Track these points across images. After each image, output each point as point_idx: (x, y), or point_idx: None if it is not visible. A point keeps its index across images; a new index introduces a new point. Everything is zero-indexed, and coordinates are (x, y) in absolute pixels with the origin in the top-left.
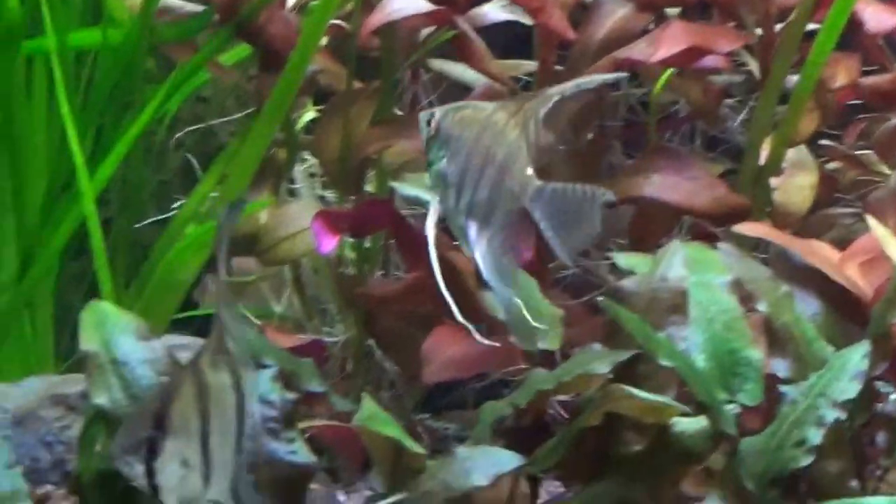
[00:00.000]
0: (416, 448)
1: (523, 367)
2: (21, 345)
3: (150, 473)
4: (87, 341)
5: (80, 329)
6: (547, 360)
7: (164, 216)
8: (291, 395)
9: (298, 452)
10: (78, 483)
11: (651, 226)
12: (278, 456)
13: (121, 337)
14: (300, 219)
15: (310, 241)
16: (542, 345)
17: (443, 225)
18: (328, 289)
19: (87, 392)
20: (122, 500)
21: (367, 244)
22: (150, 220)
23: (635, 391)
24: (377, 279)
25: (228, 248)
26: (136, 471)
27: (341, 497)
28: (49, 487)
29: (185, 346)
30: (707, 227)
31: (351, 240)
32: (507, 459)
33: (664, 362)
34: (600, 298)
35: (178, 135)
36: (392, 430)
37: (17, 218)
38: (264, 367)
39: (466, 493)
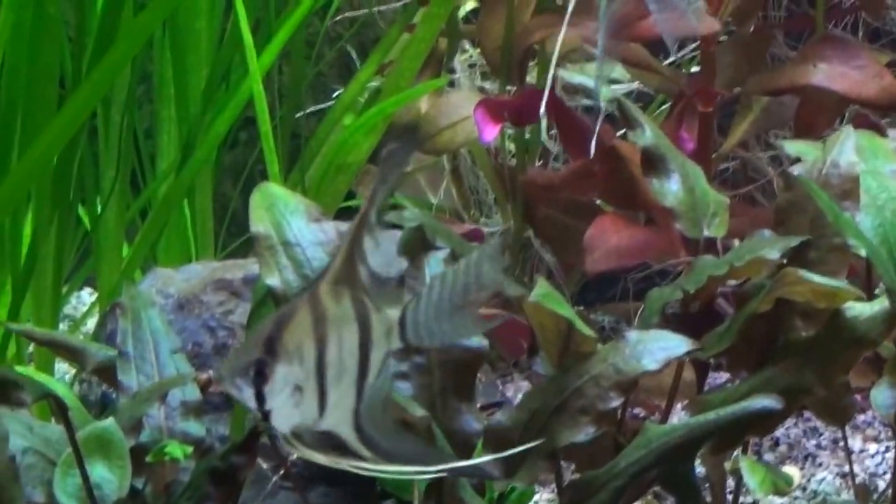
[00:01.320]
0: (588, 331)
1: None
2: (181, 233)
3: (260, 398)
4: (258, 223)
5: (251, 211)
6: (708, 250)
7: (321, 106)
8: None
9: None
10: None
11: (817, 116)
12: None
13: (292, 218)
14: (462, 108)
15: (470, 131)
16: (707, 232)
17: (607, 114)
18: (487, 179)
19: (248, 277)
20: None
21: (527, 135)
22: (307, 111)
23: (810, 275)
24: (537, 169)
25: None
26: (245, 394)
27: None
28: (212, 372)
29: None
30: (870, 118)
31: (510, 130)
32: (678, 344)
33: (851, 242)
34: (782, 176)
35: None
36: (566, 310)
37: (179, 106)
38: (436, 248)
39: (635, 378)
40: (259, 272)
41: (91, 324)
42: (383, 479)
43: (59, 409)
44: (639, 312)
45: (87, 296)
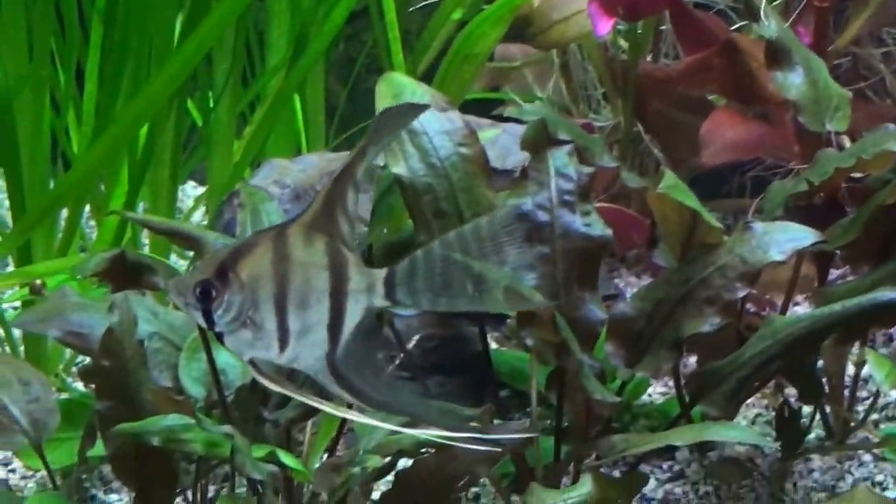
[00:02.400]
0: (714, 222)
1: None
2: (290, 127)
3: (209, 318)
4: None
5: (377, 100)
6: (828, 144)
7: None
8: (587, 169)
9: (594, 225)
10: (369, 251)
11: None
12: (574, 228)
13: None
14: (575, 2)
15: (583, 25)
16: (829, 126)
17: (717, 9)
18: (598, 73)
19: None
20: None
21: (639, 30)
22: (416, 6)
23: None
24: (649, 63)
25: None
26: (193, 311)
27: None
28: None
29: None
30: None
31: (621, 26)
32: (805, 235)
33: None
34: None
35: None
36: (692, 201)
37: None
38: (560, 142)
39: (761, 269)
40: (382, 161)
41: (197, 216)
42: (499, 369)
43: None
44: (751, 208)
45: (191, 189)
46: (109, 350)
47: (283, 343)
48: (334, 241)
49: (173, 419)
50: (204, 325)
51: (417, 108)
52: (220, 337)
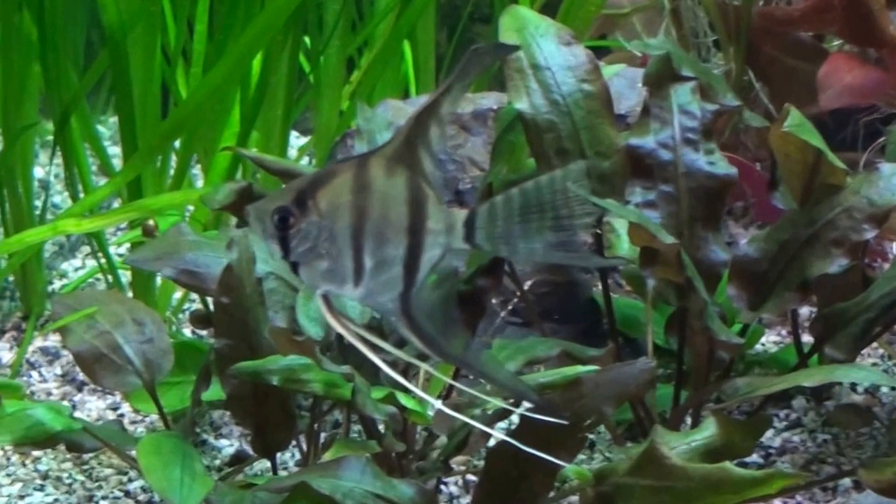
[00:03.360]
0: (839, 162)
1: None
2: (402, 71)
3: (285, 245)
4: None
5: (500, 33)
6: None
7: None
8: (711, 106)
9: (717, 164)
10: (489, 192)
11: None
12: (697, 166)
13: (542, 41)
14: None
15: None
16: None
17: None
18: (711, 19)
19: (478, 111)
20: None
21: None
22: None
23: None
24: (763, 7)
25: None
26: (269, 236)
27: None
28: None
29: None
30: None
31: None
32: None
33: None
34: None
35: None
36: (817, 140)
37: None
38: (683, 78)
39: (889, 210)
40: (507, 96)
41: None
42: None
43: None
44: (862, 158)
45: (294, 139)
46: (229, 287)
47: (358, 278)
48: (415, 176)
49: (292, 359)
50: (279, 253)
51: (507, 48)
52: (294, 267)
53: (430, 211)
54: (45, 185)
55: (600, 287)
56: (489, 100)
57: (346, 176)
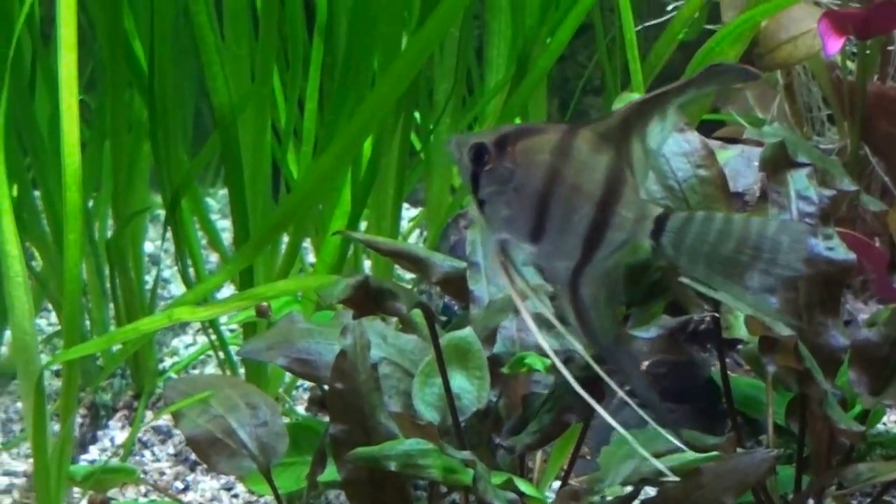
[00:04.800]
0: None
1: None
2: None
3: (475, 181)
4: None
5: None
6: None
7: (655, 21)
8: (828, 192)
9: (836, 249)
10: None
11: None
12: (816, 252)
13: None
14: (803, 21)
15: (811, 45)
16: None
17: None
18: (825, 94)
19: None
20: None
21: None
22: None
23: None
24: (877, 84)
25: None
26: (464, 167)
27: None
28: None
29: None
30: None
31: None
32: None
33: None
34: None
35: None
36: None
37: (514, 18)
38: (799, 164)
39: None
40: None
41: (411, 238)
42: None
43: (427, 319)
44: None
45: (404, 210)
46: (343, 373)
47: (538, 235)
48: (620, 158)
49: (411, 444)
50: (469, 186)
51: (749, 73)
52: (480, 204)
53: (624, 195)
54: (156, 261)
55: (718, 366)
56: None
57: (550, 136)
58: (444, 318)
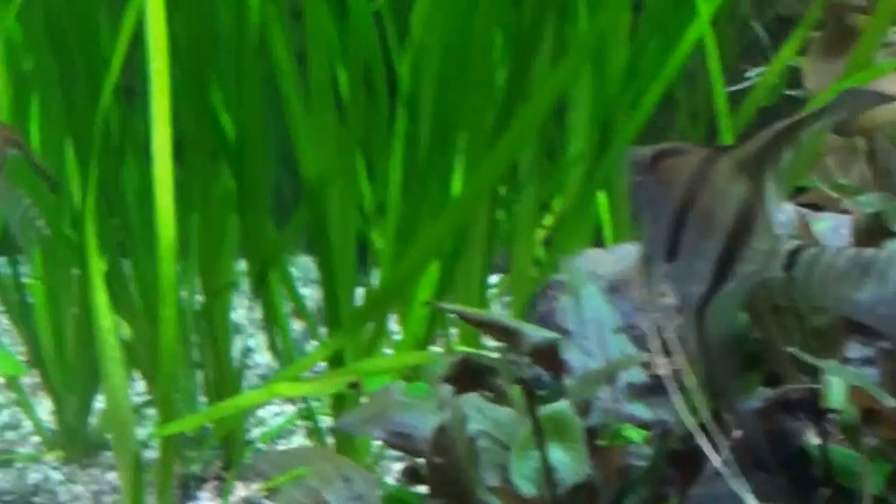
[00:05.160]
0: None
1: None
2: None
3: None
4: None
5: None
6: None
7: (735, 88)
8: None
9: None
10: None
11: None
12: None
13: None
14: (888, 86)
15: (894, 111)
16: None
17: None
18: None
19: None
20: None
21: None
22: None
23: None
24: None
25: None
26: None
27: None
28: (643, 355)
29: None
30: None
31: None
32: None
33: None
34: None
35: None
36: None
37: (596, 85)
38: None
39: None
40: None
41: (493, 306)
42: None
43: (526, 394)
44: None
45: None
46: (443, 448)
47: (672, 253)
48: (754, 190)
49: None
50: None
51: (881, 97)
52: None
53: (756, 228)
54: (239, 330)
55: (810, 435)
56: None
57: (693, 158)
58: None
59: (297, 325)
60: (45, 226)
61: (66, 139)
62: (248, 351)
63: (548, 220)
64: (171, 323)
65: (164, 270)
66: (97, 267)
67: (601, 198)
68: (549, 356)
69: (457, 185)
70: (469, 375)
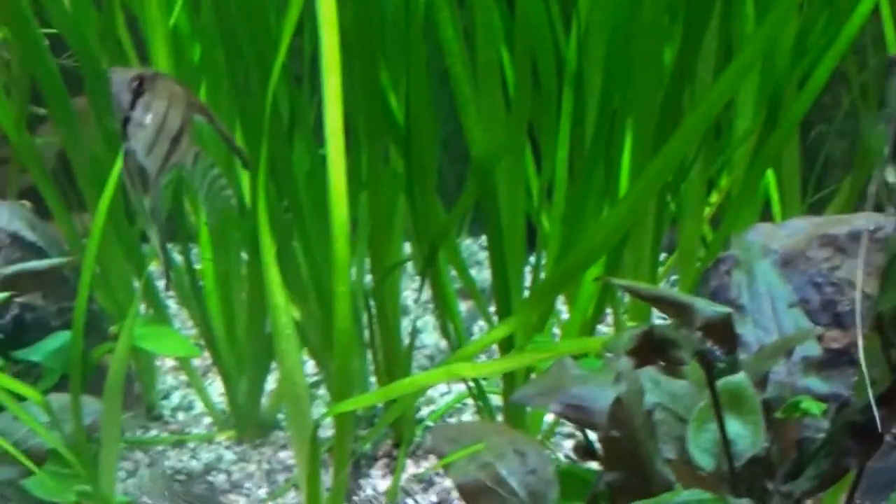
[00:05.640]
0: None
1: None
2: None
3: None
4: None
5: None
6: None
7: None
8: None
9: None
10: (879, 321)
11: None
12: None
13: None
14: None
15: None
16: None
17: None
18: None
19: (854, 232)
20: None
21: None
22: None
23: None
24: None
25: None
26: None
27: None
28: (818, 329)
29: None
30: None
31: None
32: None
33: None
34: None
35: None
36: None
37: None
38: None
39: None
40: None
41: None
42: None
43: (705, 366)
44: None
45: None
46: (619, 420)
47: None
48: None
49: (690, 494)
50: None
51: None
52: None
53: None
54: (405, 311)
55: None
56: (864, 220)
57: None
58: None
59: (461, 306)
60: (232, 195)
61: (234, 125)
62: (416, 331)
63: (714, 197)
64: (344, 300)
65: (337, 248)
66: (269, 247)
67: (769, 175)
68: (722, 330)
69: (624, 168)
70: (652, 348)
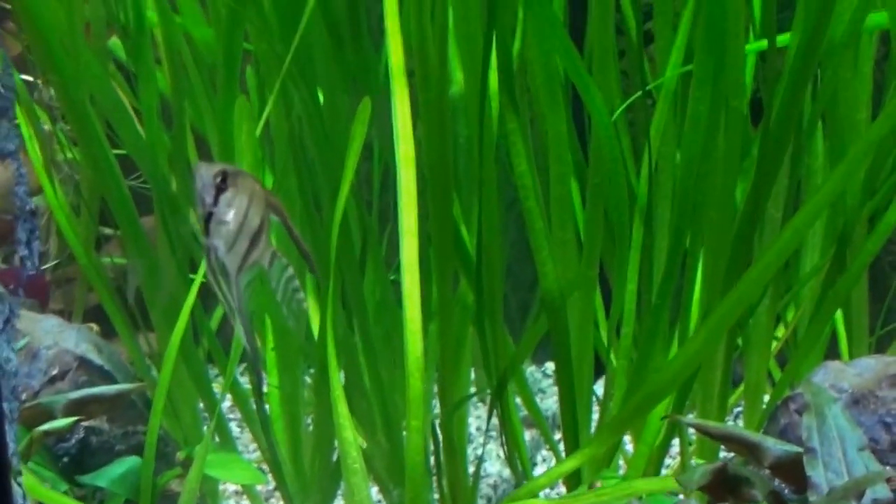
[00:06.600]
0: None
1: None
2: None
3: None
4: None
5: None
6: None
7: None
8: None
9: None
10: None
11: None
12: None
13: None
14: None
15: None
16: None
17: None
18: None
19: None
20: None
21: None
22: None
23: None
24: None
25: None
26: None
27: None
28: (889, 471)
29: None
30: None
31: None
32: None
33: None
34: None
35: None
36: None
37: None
38: None
39: None
40: None
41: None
42: None
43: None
44: None
45: None
46: None
47: None
48: None
49: None
50: None
51: None
52: None
53: None
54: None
55: None
56: None
57: None
58: None
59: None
60: (304, 298)
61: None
62: (481, 460)
63: (780, 331)
64: (418, 434)
65: (412, 384)
66: (337, 379)
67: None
68: (791, 470)
69: (694, 304)
70: (724, 485)
